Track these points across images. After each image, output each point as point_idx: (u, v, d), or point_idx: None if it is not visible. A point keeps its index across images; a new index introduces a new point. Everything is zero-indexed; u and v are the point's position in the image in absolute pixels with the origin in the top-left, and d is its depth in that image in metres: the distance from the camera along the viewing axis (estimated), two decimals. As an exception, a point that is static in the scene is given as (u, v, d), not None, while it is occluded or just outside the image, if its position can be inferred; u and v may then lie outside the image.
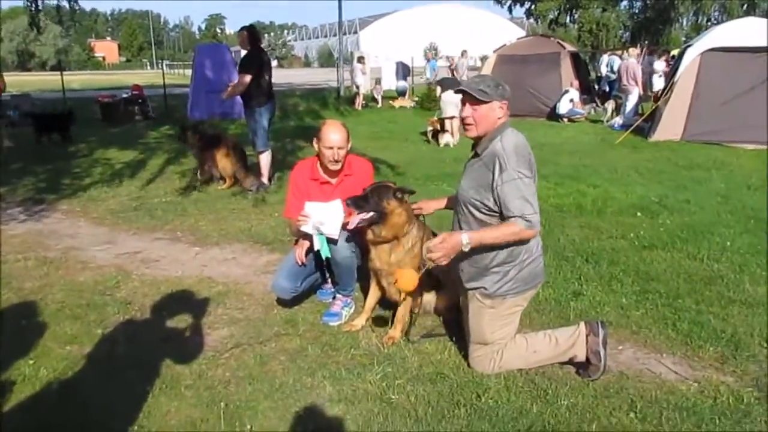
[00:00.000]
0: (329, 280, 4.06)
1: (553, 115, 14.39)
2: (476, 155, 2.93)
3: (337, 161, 3.63)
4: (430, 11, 65.82)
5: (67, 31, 64.16)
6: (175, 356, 3.21)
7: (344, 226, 3.47)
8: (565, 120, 14.12)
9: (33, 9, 13.28)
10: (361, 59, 20.50)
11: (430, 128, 11.58)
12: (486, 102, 2.84)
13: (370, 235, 3.35)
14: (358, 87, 19.53)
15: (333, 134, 3.61)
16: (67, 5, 13.36)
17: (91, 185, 7.97)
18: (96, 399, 2.90)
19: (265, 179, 7.48)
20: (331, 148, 3.59)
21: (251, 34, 7.16)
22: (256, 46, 7.20)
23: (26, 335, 3.60)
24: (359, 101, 18.84)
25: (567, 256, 4.72)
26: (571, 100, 14.26)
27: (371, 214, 3.25)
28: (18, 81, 41.57)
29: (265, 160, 7.44)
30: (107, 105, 16.51)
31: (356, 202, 3.27)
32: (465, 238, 2.76)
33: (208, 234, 5.74)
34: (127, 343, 3.48)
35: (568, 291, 4.04)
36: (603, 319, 3.54)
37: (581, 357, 2.96)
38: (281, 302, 3.95)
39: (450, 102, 10.91)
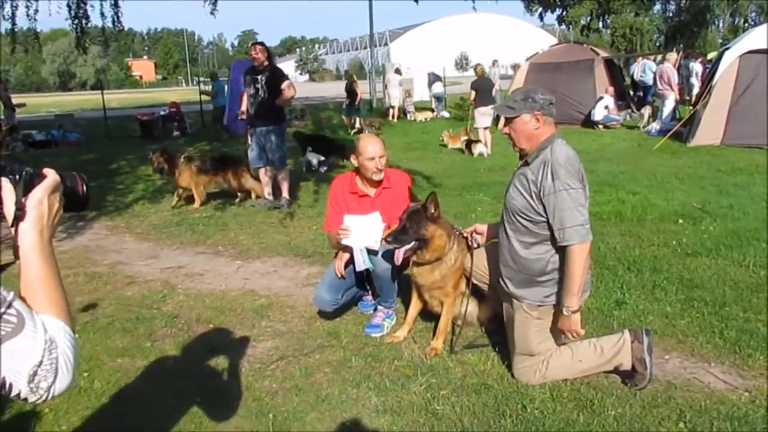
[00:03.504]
0: (370, 292, 4.11)
1: (588, 122, 14.24)
2: (526, 163, 2.94)
3: (380, 170, 3.67)
4: (461, 21, 65.88)
5: (106, 51, 66.09)
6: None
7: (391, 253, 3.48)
8: (601, 127, 13.97)
9: (78, 31, 13.70)
10: (398, 71, 20.42)
11: (464, 138, 11.62)
12: (515, 117, 2.90)
13: (414, 258, 3.39)
14: (391, 99, 19.43)
15: (371, 146, 3.67)
16: (111, 25, 13.68)
17: (134, 201, 8.21)
18: (150, 410, 2.99)
19: (286, 194, 7.51)
20: (373, 158, 3.64)
21: (269, 49, 7.26)
22: (273, 61, 7.34)
23: (79, 349, 3.72)
24: (393, 113, 18.79)
25: (608, 265, 4.68)
26: (606, 107, 14.10)
27: (413, 243, 3.28)
28: (60, 101, 43.06)
29: (288, 177, 7.54)
30: (146, 122, 16.98)
31: (397, 238, 3.26)
32: (566, 311, 2.78)
33: (249, 248, 5.86)
34: (176, 355, 3.57)
35: (610, 300, 4.00)
36: (648, 327, 3.49)
37: (627, 365, 2.93)
38: (323, 314, 4.00)
39: (485, 113, 10.94)
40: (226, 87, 15.83)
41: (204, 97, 17.58)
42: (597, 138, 12.58)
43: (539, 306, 2.92)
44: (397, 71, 20.27)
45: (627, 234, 5.49)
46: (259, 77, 7.00)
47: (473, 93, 11.33)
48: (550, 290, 2.89)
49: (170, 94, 19.53)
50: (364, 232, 3.59)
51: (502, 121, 9.00)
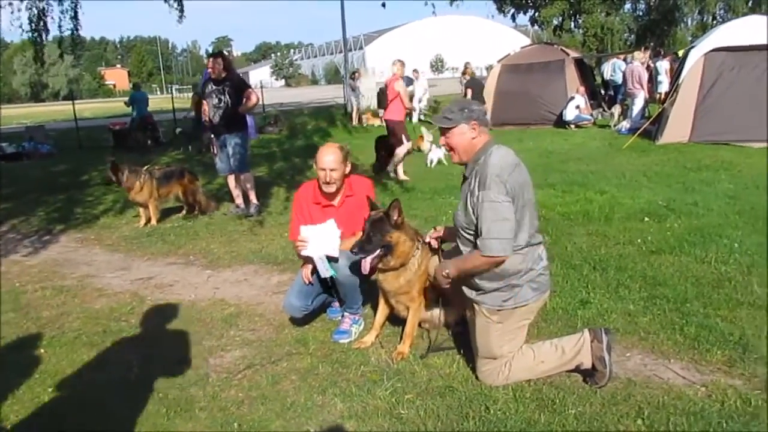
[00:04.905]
0: (337, 299, 4.12)
1: (561, 123, 14.41)
2: (465, 178, 3.01)
3: (329, 183, 3.69)
4: (436, 24, 66.11)
5: (78, 61, 65.24)
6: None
7: (357, 264, 3.47)
8: (573, 126, 14.14)
9: (38, 43, 13.51)
10: (353, 75, 20.48)
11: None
12: (452, 127, 2.97)
13: (380, 265, 3.40)
14: (352, 103, 19.51)
15: (326, 156, 3.68)
16: (69, 36, 13.47)
17: (104, 213, 8.12)
18: (115, 423, 2.97)
19: (254, 199, 7.50)
20: (324, 169, 3.67)
21: (228, 59, 7.35)
22: (233, 71, 7.42)
23: (45, 363, 3.68)
24: (355, 117, 18.78)
25: (574, 264, 4.74)
26: (578, 107, 14.27)
27: (378, 251, 3.30)
28: (32, 113, 42.38)
29: (252, 180, 7.54)
30: (119, 132, 16.80)
31: (363, 248, 3.29)
32: (444, 272, 3.00)
33: (220, 256, 5.83)
34: (143, 367, 3.55)
35: (575, 299, 4.06)
36: (611, 326, 3.57)
37: (587, 364, 2.98)
38: (292, 322, 4.02)
39: None
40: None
41: (177, 105, 17.45)
42: (569, 138, 12.73)
43: (498, 310, 2.96)
44: (353, 76, 20.30)
45: (594, 233, 5.57)
46: (222, 87, 7.06)
47: (469, 92, 11.47)
48: (507, 295, 2.93)
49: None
50: (321, 240, 3.61)
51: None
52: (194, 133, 15.23)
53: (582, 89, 14.66)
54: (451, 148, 3.05)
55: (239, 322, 4.20)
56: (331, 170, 3.66)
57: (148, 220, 7.30)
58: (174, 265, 5.73)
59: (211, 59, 7.27)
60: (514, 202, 2.80)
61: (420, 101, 19.10)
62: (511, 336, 3.01)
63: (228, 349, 3.76)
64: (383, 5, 8.67)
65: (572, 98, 14.33)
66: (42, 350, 3.90)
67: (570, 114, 14.22)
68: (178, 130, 16.96)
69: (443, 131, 3.03)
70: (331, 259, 3.63)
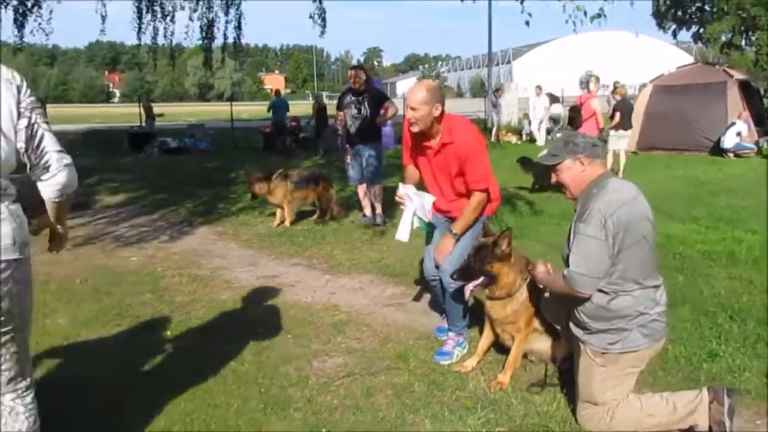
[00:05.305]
0: (446, 318, 4.08)
1: (717, 150, 13.25)
2: (576, 212, 2.88)
3: (412, 122, 3.51)
4: (586, 39, 63.63)
5: (241, 66, 70.65)
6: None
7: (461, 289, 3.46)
8: (731, 155, 12.94)
9: (208, 49, 14.99)
10: (496, 92, 20.32)
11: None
12: (559, 164, 2.89)
13: (487, 292, 3.40)
14: (493, 119, 19.52)
15: (411, 93, 3.48)
16: (231, 43, 14.81)
17: (242, 210, 8.69)
18: (216, 411, 3.16)
19: (380, 210, 7.64)
20: (407, 107, 3.55)
21: (367, 72, 7.67)
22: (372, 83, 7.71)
23: (170, 345, 4.02)
24: (494, 134, 18.76)
25: (708, 311, 4.30)
26: (739, 133, 13.05)
27: (480, 279, 3.30)
28: (197, 111, 46.53)
29: (382, 192, 7.65)
30: (268, 135, 17.99)
31: (462, 274, 3.32)
32: (538, 272, 3.02)
33: (341, 263, 6.01)
34: (252, 361, 3.74)
35: (703, 350, 3.67)
36: (742, 386, 3.21)
37: (703, 426, 2.70)
38: (396, 336, 4.05)
39: (622, 136, 10.88)
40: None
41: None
42: (724, 167, 11.67)
43: (603, 353, 2.77)
44: (495, 93, 20.15)
45: (737, 278, 5.02)
46: (361, 98, 7.29)
47: (617, 114, 10.95)
48: (614, 338, 2.73)
49: (294, 108, 20.42)
50: (416, 202, 3.61)
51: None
52: (315, 140, 16.87)
53: (745, 114, 13.40)
54: (562, 185, 2.96)
55: (347, 329, 4.30)
56: (412, 109, 3.46)
57: (282, 221, 7.71)
58: (298, 266, 5.99)
59: (353, 71, 7.55)
60: (616, 240, 2.65)
61: (541, 122, 18.37)
62: (615, 382, 2.80)
63: (332, 355, 3.86)
64: (527, 23, 8.38)
65: (733, 124, 13.13)
66: (169, 332, 4.25)
67: (729, 141, 13.03)
68: (302, 135, 18.13)
69: (551, 169, 2.95)
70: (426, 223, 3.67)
